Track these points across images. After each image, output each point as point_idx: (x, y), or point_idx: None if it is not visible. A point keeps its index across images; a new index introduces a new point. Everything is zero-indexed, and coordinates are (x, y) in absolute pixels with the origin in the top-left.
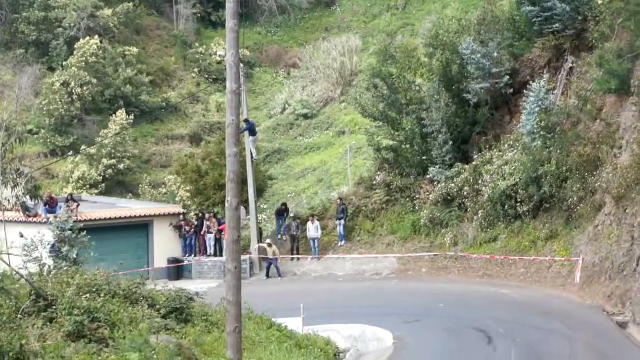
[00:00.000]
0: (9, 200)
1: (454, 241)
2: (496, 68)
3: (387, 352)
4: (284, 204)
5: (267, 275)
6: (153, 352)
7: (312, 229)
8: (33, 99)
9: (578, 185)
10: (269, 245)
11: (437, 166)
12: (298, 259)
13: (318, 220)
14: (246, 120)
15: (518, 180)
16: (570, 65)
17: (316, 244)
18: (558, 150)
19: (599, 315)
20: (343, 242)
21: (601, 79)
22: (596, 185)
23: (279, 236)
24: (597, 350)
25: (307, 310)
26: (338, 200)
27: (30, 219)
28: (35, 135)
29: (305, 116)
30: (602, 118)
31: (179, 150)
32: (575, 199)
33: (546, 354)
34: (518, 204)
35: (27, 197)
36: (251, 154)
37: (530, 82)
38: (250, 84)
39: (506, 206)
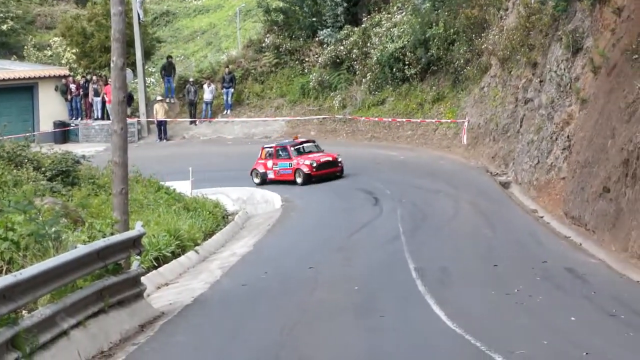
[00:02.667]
0: None
1: (342, 104)
2: None
3: (276, 214)
4: (169, 57)
5: (160, 138)
6: (38, 213)
7: (207, 92)
8: None
9: (465, 48)
10: (162, 103)
11: (327, 29)
12: (199, 122)
13: (209, 83)
14: None
15: (406, 43)
16: None
17: (209, 108)
18: (446, 13)
19: (483, 175)
20: (229, 111)
21: None
22: (483, 47)
23: (167, 99)
24: (481, 209)
25: (196, 174)
26: (226, 69)
27: None
28: None
29: None
30: None
31: (65, 12)
32: (462, 61)
33: (430, 214)
34: (406, 66)
35: None
36: (138, 15)
37: None
38: None
39: (394, 69)
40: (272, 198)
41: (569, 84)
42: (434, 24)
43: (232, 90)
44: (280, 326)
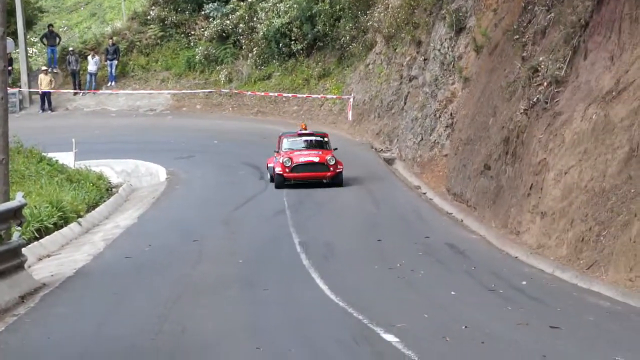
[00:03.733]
0: None
1: (228, 78)
2: None
3: (161, 187)
4: (50, 26)
5: (43, 109)
6: None
7: (92, 64)
8: None
9: (351, 25)
10: (46, 73)
11: (213, 3)
12: (82, 93)
13: (94, 54)
14: None
15: (292, 18)
16: None
17: (93, 79)
18: None
19: (368, 152)
20: (113, 83)
21: None
22: (368, 24)
23: (50, 69)
24: (365, 185)
25: (79, 145)
26: (110, 40)
27: None
28: None
29: None
30: None
31: None
32: (347, 38)
33: (315, 189)
34: (292, 42)
35: None
36: None
37: None
38: None
39: (281, 44)
40: (157, 171)
41: (452, 63)
42: (320, 0)
43: (116, 62)
44: (164, 299)
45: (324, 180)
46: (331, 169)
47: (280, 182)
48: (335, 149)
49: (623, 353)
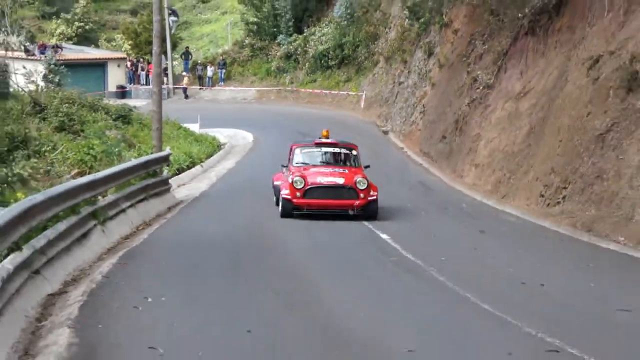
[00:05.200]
0: (15, 45)
1: (291, 81)
2: None
3: (250, 144)
4: (187, 48)
5: (186, 97)
6: (107, 139)
7: (209, 71)
8: None
9: (365, 50)
10: (184, 76)
11: (282, 35)
12: (202, 89)
13: (211, 65)
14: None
15: (330, 45)
16: None
17: (210, 80)
18: (354, 28)
19: (373, 127)
20: (222, 83)
21: None
22: (375, 50)
23: (184, 73)
24: (370, 146)
25: (202, 120)
26: (220, 57)
27: (29, 57)
28: (31, 5)
29: (203, 1)
30: (381, 10)
31: (124, 19)
32: (362, 58)
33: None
34: (329, 60)
35: (27, 43)
36: (170, 25)
37: None
38: None
39: (322, 61)
40: (247, 135)
41: (425, 74)
42: (347, 35)
43: (224, 70)
44: (250, 210)
45: (350, 212)
46: (361, 195)
47: (287, 210)
48: (367, 166)
49: (523, 247)
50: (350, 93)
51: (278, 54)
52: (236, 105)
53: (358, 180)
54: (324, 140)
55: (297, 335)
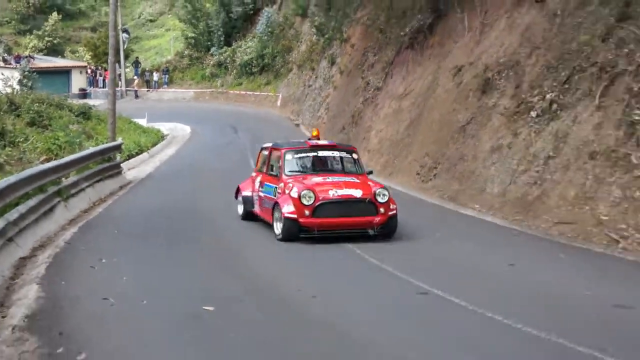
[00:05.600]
0: None
1: (221, 84)
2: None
3: (188, 135)
4: (137, 57)
5: (136, 97)
6: (70, 132)
7: (156, 76)
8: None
9: (281, 60)
10: (135, 80)
11: (214, 47)
12: (149, 91)
13: (157, 72)
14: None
15: (253, 56)
16: None
17: (156, 84)
18: (273, 42)
19: (288, 121)
20: (166, 86)
21: (292, 7)
22: (289, 60)
23: (134, 78)
24: (284, 135)
25: (149, 116)
26: (165, 65)
27: (7, 66)
28: (8, 24)
29: (151, 20)
30: (294, 28)
31: (86, 35)
32: (279, 66)
33: (259, 137)
34: (253, 67)
35: (5, 54)
36: (123, 40)
37: (265, 7)
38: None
39: (247, 68)
40: (186, 128)
41: (329, 79)
42: (267, 47)
43: (167, 75)
44: (189, 188)
45: (370, 232)
46: (381, 210)
47: (293, 233)
48: (370, 172)
49: (407, 213)
50: (269, 94)
51: (211, 62)
52: (177, 104)
53: (377, 191)
54: (317, 142)
55: (218, 277)
